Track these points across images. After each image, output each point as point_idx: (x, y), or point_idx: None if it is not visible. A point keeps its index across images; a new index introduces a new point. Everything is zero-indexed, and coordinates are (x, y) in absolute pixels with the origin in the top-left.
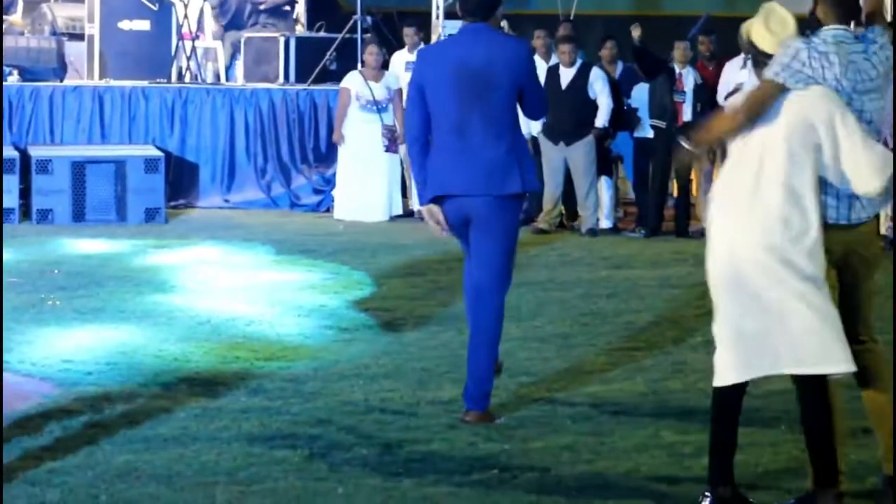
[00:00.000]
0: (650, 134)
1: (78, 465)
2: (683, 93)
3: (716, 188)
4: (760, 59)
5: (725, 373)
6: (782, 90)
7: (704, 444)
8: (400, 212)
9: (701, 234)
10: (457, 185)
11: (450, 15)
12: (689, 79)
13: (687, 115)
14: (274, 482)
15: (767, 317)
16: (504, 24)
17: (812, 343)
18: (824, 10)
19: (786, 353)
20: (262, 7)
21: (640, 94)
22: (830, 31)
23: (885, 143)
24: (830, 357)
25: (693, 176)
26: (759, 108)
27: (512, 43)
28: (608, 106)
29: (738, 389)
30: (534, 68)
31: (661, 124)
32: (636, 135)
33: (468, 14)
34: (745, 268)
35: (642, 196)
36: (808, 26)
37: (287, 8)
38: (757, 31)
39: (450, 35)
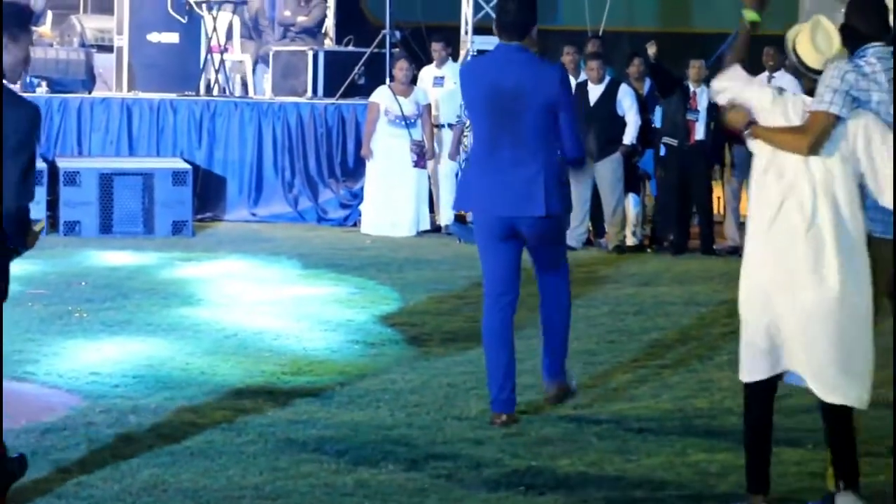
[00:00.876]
0: (661, 152)
1: (104, 478)
2: (697, 111)
3: (756, 197)
4: (803, 72)
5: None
6: (838, 120)
7: (731, 463)
8: (427, 227)
9: (728, 252)
10: (481, 203)
11: (479, 30)
12: (703, 98)
13: (700, 133)
14: (300, 497)
15: (801, 331)
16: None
17: (831, 372)
18: (861, 26)
19: (809, 372)
20: (293, 29)
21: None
22: (870, 48)
23: None
24: (840, 390)
25: (720, 193)
26: (823, 139)
27: (545, 66)
28: (636, 123)
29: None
30: (567, 93)
31: (673, 142)
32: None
33: (503, 32)
34: (797, 282)
35: (659, 216)
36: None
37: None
38: (803, 44)
39: (486, 52)
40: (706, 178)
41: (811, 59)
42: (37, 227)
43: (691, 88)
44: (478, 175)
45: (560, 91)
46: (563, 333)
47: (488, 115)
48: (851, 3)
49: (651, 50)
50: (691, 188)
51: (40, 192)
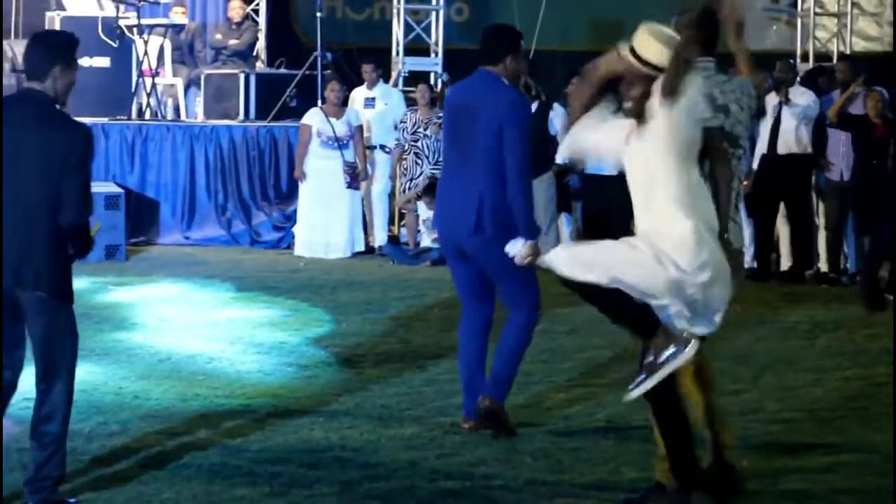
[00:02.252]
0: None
1: None
2: None
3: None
4: (645, 71)
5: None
6: None
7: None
8: (361, 248)
9: None
10: (436, 223)
11: (410, 51)
12: None
13: None
14: None
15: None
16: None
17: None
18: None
19: None
20: (224, 52)
21: None
22: (702, 63)
23: (749, 170)
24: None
25: None
26: None
27: (503, 89)
28: None
29: None
30: (516, 114)
31: None
32: (588, 171)
33: (480, 57)
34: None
35: (593, 236)
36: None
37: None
38: (649, 45)
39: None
40: None
41: (656, 55)
42: (92, 231)
43: None
44: (439, 196)
45: (509, 112)
46: (502, 365)
47: (450, 137)
48: (700, 18)
49: None
50: None
51: None
